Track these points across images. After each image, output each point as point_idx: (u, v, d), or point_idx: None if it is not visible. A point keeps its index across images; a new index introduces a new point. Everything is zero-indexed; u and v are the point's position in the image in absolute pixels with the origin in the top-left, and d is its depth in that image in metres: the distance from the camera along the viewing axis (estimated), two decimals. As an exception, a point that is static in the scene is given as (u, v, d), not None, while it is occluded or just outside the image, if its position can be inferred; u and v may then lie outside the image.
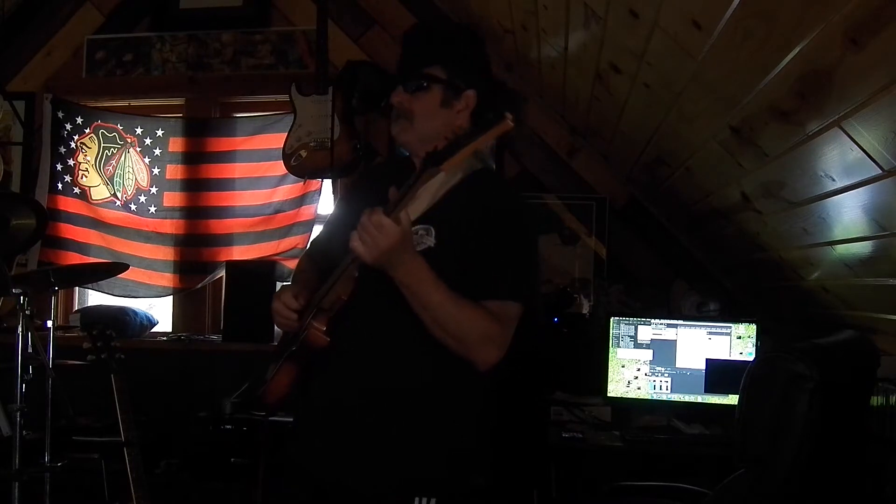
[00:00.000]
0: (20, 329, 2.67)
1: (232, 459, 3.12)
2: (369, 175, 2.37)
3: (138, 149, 3.77)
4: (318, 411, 1.65)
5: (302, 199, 3.63)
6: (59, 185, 3.81)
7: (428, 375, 1.60)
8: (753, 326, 2.77)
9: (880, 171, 1.51)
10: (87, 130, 3.80)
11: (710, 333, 2.79)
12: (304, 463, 1.68)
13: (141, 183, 3.78)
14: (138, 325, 3.59)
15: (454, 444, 1.63)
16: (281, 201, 3.65)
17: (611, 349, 2.84)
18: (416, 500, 1.56)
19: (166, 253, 3.73)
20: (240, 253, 3.66)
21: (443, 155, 1.42)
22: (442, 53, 1.69)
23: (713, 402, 2.77)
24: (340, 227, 1.72)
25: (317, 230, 3.53)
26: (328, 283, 1.63)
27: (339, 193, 3.57)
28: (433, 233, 1.61)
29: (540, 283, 1.80)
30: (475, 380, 1.64)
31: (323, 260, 1.80)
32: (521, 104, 3.44)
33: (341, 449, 1.61)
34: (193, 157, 3.73)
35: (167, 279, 3.72)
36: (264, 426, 3.03)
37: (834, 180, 1.70)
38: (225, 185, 3.72)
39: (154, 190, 3.76)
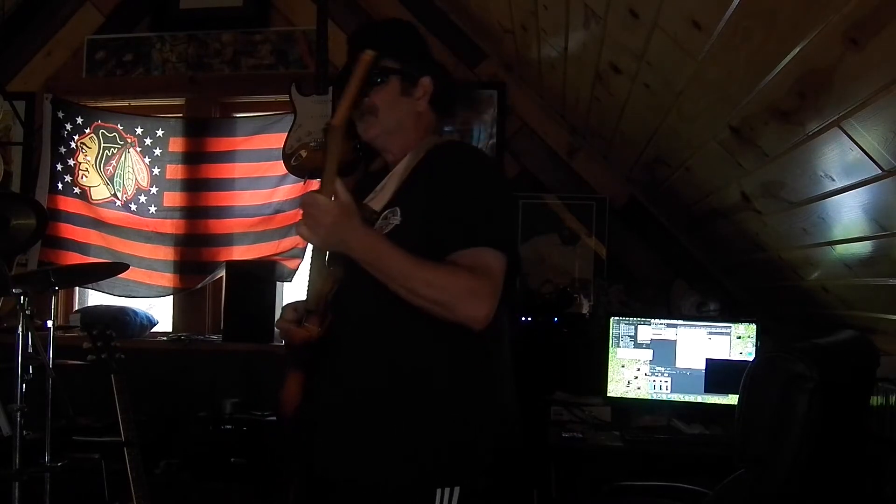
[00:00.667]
0: (20, 329, 2.67)
1: (232, 459, 3.12)
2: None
3: (138, 149, 3.77)
4: (325, 409, 1.63)
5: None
6: (60, 185, 3.80)
7: (428, 358, 1.58)
8: (753, 326, 2.77)
9: (880, 171, 1.51)
10: (88, 130, 3.80)
11: (710, 333, 2.79)
12: (314, 463, 1.66)
13: (141, 183, 3.78)
14: (138, 325, 3.59)
15: (466, 429, 1.58)
16: (281, 201, 3.64)
17: (611, 349, 2.85)
18: (439, 491, 1.52)
19: (166, 253, 3.73)
20: (240, 253, 3.66)
21: (333, 114, 1.52)
22: (390, 46, 1.70)
23: (713, 402, 2.77)
24: None
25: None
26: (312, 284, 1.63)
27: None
28: (399, 212, 1.61)
29: (516, 230, 1.78)
30: (479, 360, 1.62)
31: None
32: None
33: (352, 445, 1.58)
34: (193, 157, 3.73)
35: (167, 279, 3.72)
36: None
37: (834, 180, 1.70)
38: (225, 185, 3.71)
39: (154, 190, 3.76)
